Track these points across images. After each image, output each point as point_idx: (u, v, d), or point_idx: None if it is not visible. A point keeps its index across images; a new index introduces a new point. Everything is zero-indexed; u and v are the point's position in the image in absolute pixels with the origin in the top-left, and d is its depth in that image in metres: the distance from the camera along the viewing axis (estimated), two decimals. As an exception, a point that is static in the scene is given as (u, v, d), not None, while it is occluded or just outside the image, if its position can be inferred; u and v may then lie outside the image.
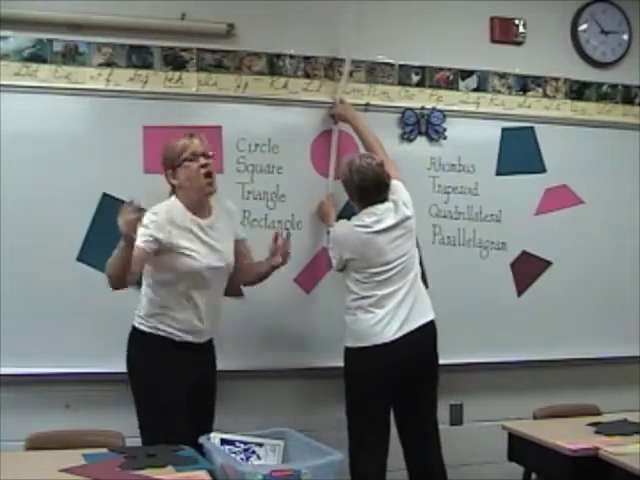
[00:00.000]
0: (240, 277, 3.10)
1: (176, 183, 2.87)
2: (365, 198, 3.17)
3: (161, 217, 2.78)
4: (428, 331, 3.13)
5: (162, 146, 2.92)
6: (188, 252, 2.80)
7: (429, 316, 3.14)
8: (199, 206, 2.89)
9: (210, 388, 2.98)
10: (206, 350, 2.97)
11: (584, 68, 4.04)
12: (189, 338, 2.85)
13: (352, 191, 3.20)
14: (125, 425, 2.74)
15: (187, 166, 2.83)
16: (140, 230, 2.62)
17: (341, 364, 3.20)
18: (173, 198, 2.89)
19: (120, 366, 3.13)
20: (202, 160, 2.84)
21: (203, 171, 2.83)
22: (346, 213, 3.43)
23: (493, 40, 3.91)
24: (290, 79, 3.59)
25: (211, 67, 3.49)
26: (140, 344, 2.86)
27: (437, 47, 3.78)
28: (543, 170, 3.90)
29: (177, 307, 2.83)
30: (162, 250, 2.77)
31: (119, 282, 2.67)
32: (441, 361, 3.21)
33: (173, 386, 2.77)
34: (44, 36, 3.29)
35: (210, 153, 2.89)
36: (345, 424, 3.19)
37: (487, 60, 3.87)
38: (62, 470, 2.18)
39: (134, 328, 2.88)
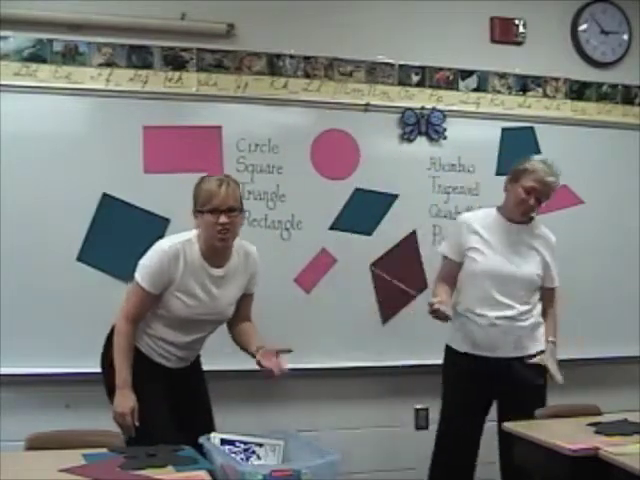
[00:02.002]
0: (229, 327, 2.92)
1: (196, 224, 2.70)
2: None
3: (172, 257, 2.65)
4: None
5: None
6: (184, 298, 2.68)
7: None
8: (213, 253, 2.70)
9: (196, 399, 2.89)
10: (187, 370, 2.87)
11: (584, 68, 4.04)
12: (167, 364, 2.79)
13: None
14: (125, 425, 2.73)
15: (204, 217, 2.63)
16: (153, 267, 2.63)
17: (342, 364, 3.21)
18: (195, 232, 2.71)
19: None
20: (222, 219, 2.60)
21: (219, 228, 2.62)
22: (345, 216, 3.44)
23: (493, 40, 3.91)
24: (290, 79, 3.59)
25: (211, 67, 3.49)
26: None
27: (437, 47, 3.79)
28: (543, 170, 3.90)
29: (162, 334, 2.75)
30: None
31: None
32: (443, 361, 3.22)
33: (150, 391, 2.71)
34: (44, 36, 3.29)
35: (237, 205, 2.69)
36: (345, 424, 3.19)
37: (487, 60, 3.87)
38: (62, 470, 2.17)
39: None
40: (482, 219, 3.11)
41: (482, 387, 3.06)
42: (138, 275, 2.67)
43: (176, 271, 2.65)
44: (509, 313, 3.00)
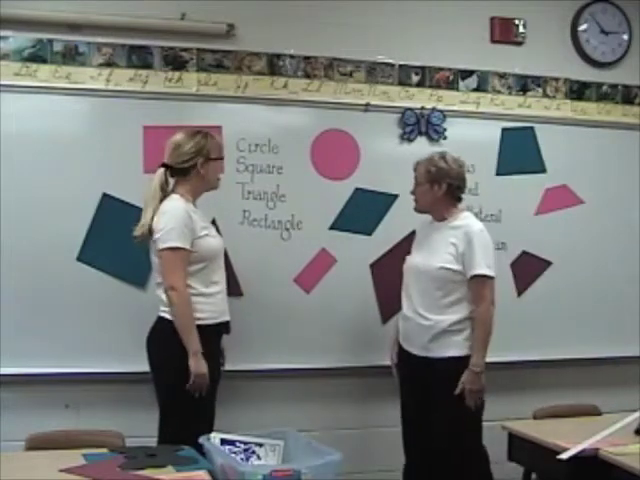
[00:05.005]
0: None
1: (203, 172, 2.94)
2: (462, 190, 3.18)
3: (183, 212, 2.86)
4: None
5: (192, 131, 3.00)
6: (206, 232, 2.91)
7: None
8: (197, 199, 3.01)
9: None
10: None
11: (584, 68, 4.04)
12: (226, 316, 2.95)
13: (454, 182, 3.11)
14: (125, 425, 2.74)
15: (214, 165, 2.98)
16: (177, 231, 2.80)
17: (342, 364, 3.20)
18: (177, 195, 2.91)
19: (117, 366, 3.16)
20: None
21: (219, 173, 3.04)
22: (345, 216, 3.44)
23: (493, 40, 3.91)
24: (290, 79, 3.59)
25: (211, 67, 3.49)
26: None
27: (437, 47, 3.78)
28: (543, 170, 3.90)
29: (208, 290, 2.88)
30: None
31: None
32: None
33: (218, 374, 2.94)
34: (44, 36, 3.29)
35: None
36: (345, 424, 3.19)
37: (487, 60, 3.86)
38: (62, 470, 2.18)
39: (169, 321, 2.84)
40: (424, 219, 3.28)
41: (415, 384, 3.14)
42: (169, 243, 2.79)
43: (194, 219, 2.87)
44: (414, 310, 3.10)
